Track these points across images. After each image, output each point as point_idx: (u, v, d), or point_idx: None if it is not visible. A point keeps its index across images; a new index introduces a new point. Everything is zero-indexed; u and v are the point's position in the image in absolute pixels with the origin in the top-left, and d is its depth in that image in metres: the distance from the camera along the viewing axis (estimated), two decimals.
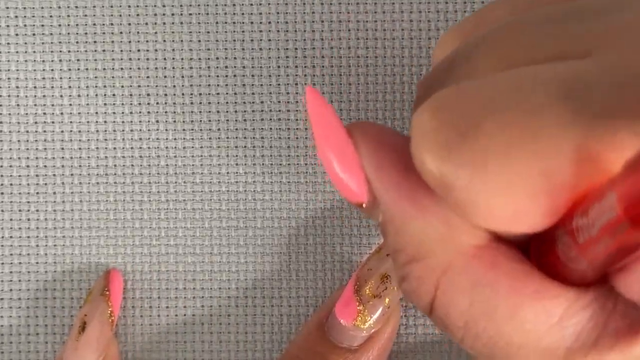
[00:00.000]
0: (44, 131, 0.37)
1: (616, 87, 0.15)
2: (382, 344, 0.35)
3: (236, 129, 0.36)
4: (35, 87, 0.36)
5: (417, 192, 0.18)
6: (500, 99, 0.16)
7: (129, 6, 0.36)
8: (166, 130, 0.36)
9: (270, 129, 0.36)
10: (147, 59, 0.36)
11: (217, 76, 0.36)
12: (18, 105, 0.36)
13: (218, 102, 0.36)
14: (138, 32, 0.36)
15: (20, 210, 0.37)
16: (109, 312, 0.35)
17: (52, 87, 0.36)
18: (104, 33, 0.36)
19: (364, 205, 0.20)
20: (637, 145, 0.15)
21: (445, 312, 0.18)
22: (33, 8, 0.36)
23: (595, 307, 0.17)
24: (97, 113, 0.36)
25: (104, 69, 0.36)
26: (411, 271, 0.18)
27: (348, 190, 0.20)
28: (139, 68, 0.36)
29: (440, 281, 0.18)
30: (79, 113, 0.36)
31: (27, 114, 0.37)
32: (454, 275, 0.18)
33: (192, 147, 0.36)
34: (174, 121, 0.36)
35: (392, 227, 0.19)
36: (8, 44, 0.36)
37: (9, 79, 0.36)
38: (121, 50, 0.36)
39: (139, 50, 0.36)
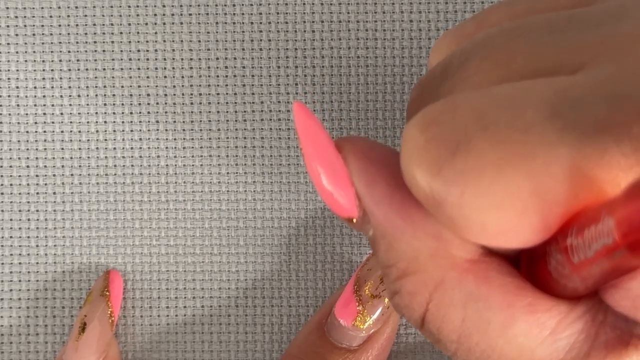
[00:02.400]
0: (44, 131, 0.37)
1: (606, 105, 0.15)
2: (381, 344, 0.35)
3: (236, 129, 0.36)
4: (35, 87, 0.36)
5: (408, 207, 0.18)
6: (492, 116, 0.16)
7: (129, 6, 0.36)
8: (166, 130, 0.36)
9: (270, 129, 0.36)
10: (147, 59, 0.36)
11: (217, 76, 0.36)
12: (18, 105, 0.36)
13: (218, 102, 0.36)
14: (138, 32, 0.36)
15: (20, 210, 0.37)
16: (109, 312, 0.35)
17: (52, 87, 0.36)
18: (104, 33, 0.36)
19: (354, 221, 0.20)
20: (628, 166, 0.15)
21: (437, 326, 0.18)
22: (33, 8, 0.36)
23: (586, 319, 0.17)
24: (97, 113, 0.36)
25: (104, 69, 0.36)
26: (403, 286, 0.18)
27: (338, 206, 0.19)
28: (139, 68, 0.36)
29: (432, 296, 0.18)
30: (79, 113, 0.36)
31: (27, 114, 0.36)
32: (446, 289, 0.18)
33: (192, 147, 0.36)
34: (174, 121, 0.36)
35: (384, 242, 0.19)
36: (8, 44, 0.36)
37: (9, 79, 0.36)
38: (121, 50, 0.36)
39: (139, 51, 0.36)
